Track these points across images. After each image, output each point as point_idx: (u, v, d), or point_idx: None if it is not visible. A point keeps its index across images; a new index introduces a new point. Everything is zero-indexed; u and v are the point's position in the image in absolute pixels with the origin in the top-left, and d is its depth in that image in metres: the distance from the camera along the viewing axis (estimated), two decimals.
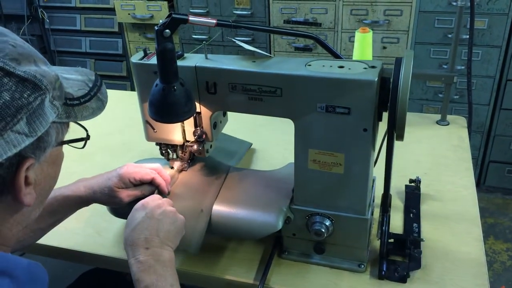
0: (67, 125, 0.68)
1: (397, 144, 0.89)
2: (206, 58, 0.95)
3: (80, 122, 0.70)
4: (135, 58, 0.98)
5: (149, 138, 1.06)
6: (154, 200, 0.91)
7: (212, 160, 1.13)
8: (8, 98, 0.54)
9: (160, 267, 0.81)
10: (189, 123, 1.01)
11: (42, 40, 3.39)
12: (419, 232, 1.08)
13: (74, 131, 0.71)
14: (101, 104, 0.71)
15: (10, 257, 0.60)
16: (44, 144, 0.61)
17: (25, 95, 0.56)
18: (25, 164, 0.58)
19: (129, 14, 2.97)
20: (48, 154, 0.63)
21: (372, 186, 1.03)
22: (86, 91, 0.68)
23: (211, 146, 1.08)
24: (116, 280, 1.29)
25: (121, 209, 1.02)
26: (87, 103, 0.68)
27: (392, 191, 1.04)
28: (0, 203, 0.60)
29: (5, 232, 0.64)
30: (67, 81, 0.67)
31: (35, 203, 0.64)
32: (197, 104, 0.96)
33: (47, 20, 3.30)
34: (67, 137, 0.69)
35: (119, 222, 1.13)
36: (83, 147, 0.72)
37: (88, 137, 0.72)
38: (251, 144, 1.41)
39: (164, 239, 0.84)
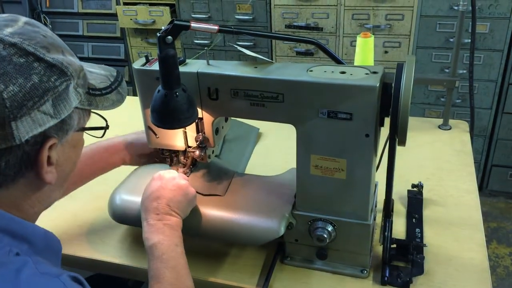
0: (89, 113, 0.73)
1: (399, 149, 0.89)
2: (208, 64, 0.95)
3: (101, 114, 0.76)
4: (137, 64, 0.98)
5: (151, 143, 1.06)
6: (170, 172, 0.97)
7: (215, 166, 1.14)
8: (37, 81, 0.60)
9: (167, 229, 0.88)
10: (191, 129, 1.01)
11: None
12: (421, 238, 1.08)
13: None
14: (121, 98, 0.78)
15: (29, 225, 0.67)
16: (67, 126, 0.66)
17: (52, 79, 0.62)
18: (48, 142, 0.64)
19: (131, 19, 2.98)
20: (70, 137, 0.68)
21: (374, 191, 1.02)
22: (108, 84, 0.74)
23: (213, 152, 1.08)
24: (118, 286, 1.29)
25: (124, 216, 1.02)
26: (108, 95, 0.74)
27: (394, 196, 1.04)
28: (24, 179, 0.65)
29: (27, 208, 0.69)
30: (90, 73, 0.73)
31: (56, 184, 0.69)
32: (199, 110, 0.96)
33: (50, 26, 3.31)
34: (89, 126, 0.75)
35: (123, 228, 1.13)
36: (102, 136, 0.77)
37: (107, 127, 0.77)
38: (258, 129, 1.50)
39: (174, 208, 0.91)
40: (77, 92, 0.67)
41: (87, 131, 0.74)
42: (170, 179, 0.94)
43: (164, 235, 0.86)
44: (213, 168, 1.12)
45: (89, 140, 0.79)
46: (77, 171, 0.99)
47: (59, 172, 0.69)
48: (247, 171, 1.33)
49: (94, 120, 0.76)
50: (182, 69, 0.92)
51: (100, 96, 0.72)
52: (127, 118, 1.47)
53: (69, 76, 0.65)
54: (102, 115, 0.77)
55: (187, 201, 0.94)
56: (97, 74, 0.75)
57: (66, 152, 0.70)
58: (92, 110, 0.75)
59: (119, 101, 0.77)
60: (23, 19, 0.66)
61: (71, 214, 1.19)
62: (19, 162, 0.62)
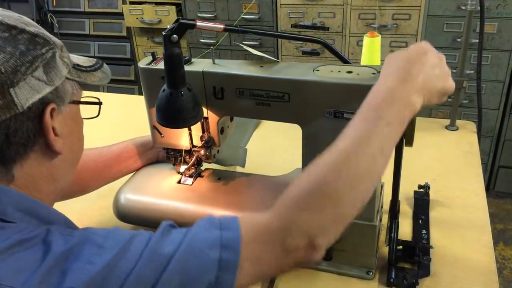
0: (80, 87, 0.75)
1: (405, 149, 0.88)
2: (214, 63, 0.95)
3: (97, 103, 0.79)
4: (142, 63, 0.98)
5: (156, 143, 1.06)
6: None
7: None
8: (24, 49, 0.64)
9: (408, 113, 0.71)
10: (196, 128, 1.00)
11: None
12: (428, 239, 1.07)
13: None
14: (106, 76, 0.80)
15: (51, 208, 0.70)
16: (62, 94, 0.69)
17: (38, 47, 0.66)
18: (48, 107, 0.66)
19: (137, 18, 2.99)
20: (68, 108, 0.71)
21: (381, 192, 1.02)
22: (91, 64, 0.78)
23: (218, 151, 1.07)
24: None
25: (129, 215, 1.02)
26: (93, 72, 0.77)
27: (400, 197, 1.03)
28: (34, 152, 0.67)
29: (45, 187, 0.71)
30: (72, 57, 0.75)
31: (67, 159, 0.73)
32: (204, 109, 0.96)
33: (56, 25, 3.33)
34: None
35: (127, 227, 1.12)
36: (97, 116, 0.80)
37: (100, 102, 0.79)
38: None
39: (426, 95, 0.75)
40: (64, 62, 0.70)
41: (82, 104, 0.77)
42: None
43: (401, 104, 0.69)
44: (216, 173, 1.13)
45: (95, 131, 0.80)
46: (108, 164, 1.08)
47: (67, 145, 0.71)
48: (252, 171, 1.33)
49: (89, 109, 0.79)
50: (187, 68, 0.92)
51: (86, 72, 0.76)
52: (132, 117, 1.47)
53: (53, 45, 0.68)
54: (102, 110, 0.80)
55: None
56: (78, 57, 0.79)
57: (68, 124, 0.72)
58: (87, 96, 0.78)
59: (105, 78, 0.80)
60: None
61: (76, 213, 1.19)
62: (26, 131, 0.65)
